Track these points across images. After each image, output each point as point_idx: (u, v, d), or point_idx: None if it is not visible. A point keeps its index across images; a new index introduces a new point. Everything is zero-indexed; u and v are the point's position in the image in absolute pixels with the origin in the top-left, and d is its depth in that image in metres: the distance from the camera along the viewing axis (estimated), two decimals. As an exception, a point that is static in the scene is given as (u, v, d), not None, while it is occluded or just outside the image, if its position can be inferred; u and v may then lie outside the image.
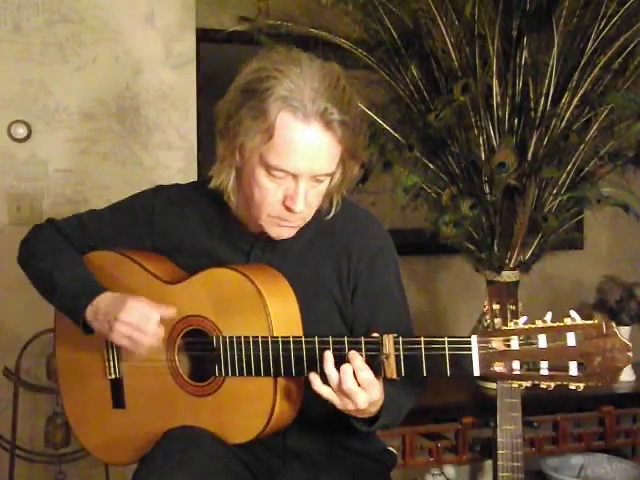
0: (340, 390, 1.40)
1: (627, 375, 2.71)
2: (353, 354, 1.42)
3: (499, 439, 2.21)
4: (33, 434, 2.57)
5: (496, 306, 2.16)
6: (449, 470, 2.65)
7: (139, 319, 1.52)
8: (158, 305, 1.55)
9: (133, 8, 2.64)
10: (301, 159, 1.44)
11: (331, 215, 1.60)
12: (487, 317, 2.38)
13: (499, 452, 2.20)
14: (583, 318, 1.34)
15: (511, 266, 2.52)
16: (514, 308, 2.15)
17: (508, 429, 2.20)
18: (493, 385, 2.40)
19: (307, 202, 1.48)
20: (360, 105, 1.53)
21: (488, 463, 2.51)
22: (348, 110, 1.45)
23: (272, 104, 1.42)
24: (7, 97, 2.55)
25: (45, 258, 1.69)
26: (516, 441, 2.19)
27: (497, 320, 2.04)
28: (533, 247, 2.54)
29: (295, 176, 1.46)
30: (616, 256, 3.66)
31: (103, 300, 1.58)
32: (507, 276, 2.52)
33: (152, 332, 1.53)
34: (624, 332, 2.67)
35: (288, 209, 1.48)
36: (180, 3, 2.69)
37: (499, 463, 2.20)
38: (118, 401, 1.67)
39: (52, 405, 2.48)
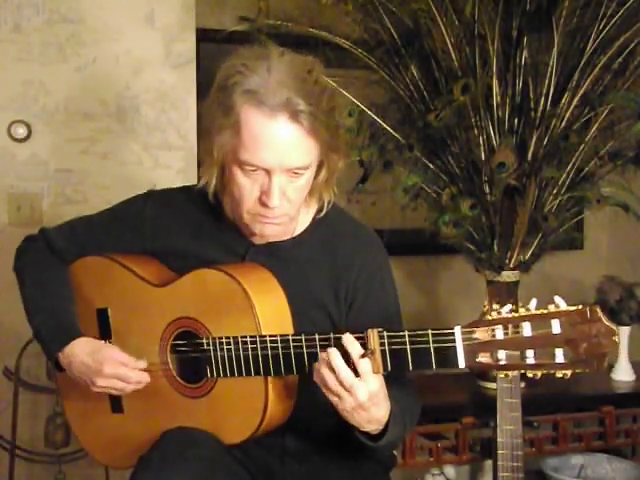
0: (341, 386, 1.38)
1: (627, 375, 2.71)
2: (349, 340, 1.39)
3: (499, 439, 2.20)
4: (33, 434, 2.58)
5: (496, 306, 2.15)
6: (449, 470, 2.65)
7: (114, 382, 1.58)
8: (129, 358, 1.57)
9: (133, 8, 2.64)
10: (269, 153, 1.43)
11: (323, 213, 1.60)
12: (487, 317, 2.37)
13: (499, 452, 2.20)
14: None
15: (511, 266, 2.51)
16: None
17: (508, 429, 2.20)
18: (493, 385, 2.40)
19: (286, 197, 1.48)
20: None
21: (488, 463, 2.51)
22: (317, 102, 1.43)
23: (238, 99, 1.42)
24: (7, 97, 2.55)
25: (27, 287, 1.72)
26: (516, 441, 2.19)
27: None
28: (533, 247, 2.54)
29: (267, 171, 1.45)
30: (616, 256, 3.66)
31: (75, 354, 1.59)
32: (507, 276, 2.52)
33: (135, 380, 1.58)
34: (624, 332, 2.67)
35: (264, 205, 1.47)
36: (180, 3, 2.69)
37: (499, 463, 2.19)
38: (116, 406, 1.68)
39: (52, 405, 2.48)
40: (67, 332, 1.62)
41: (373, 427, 1.45)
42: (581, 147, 2.44)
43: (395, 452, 1.81)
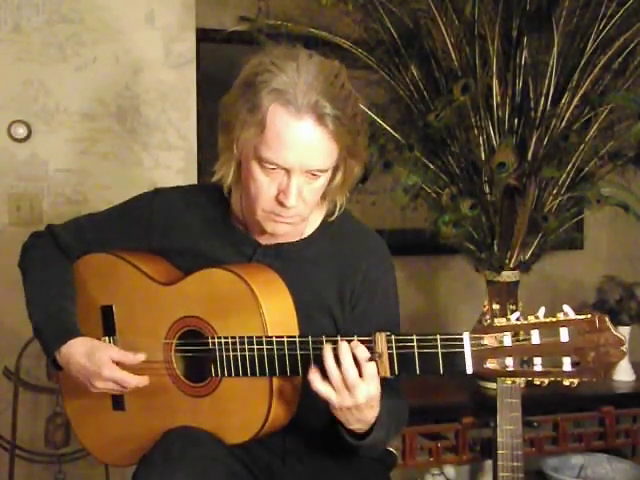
0: (343, 383, 1.39)
1: (627, 375, 2.71)
2: (356, 344, 1.41)
3: (499, 439, 2.21)
4: (33, 434, 2.57)
5: (496, 306, 2.16)
6: (449, 470, 2.65)
7: (113, 385, 1.58)
8: (125, 354, 1.57)
9: (133, 8, 2.64)
10: (292, 153, 1.43)
11: (334, 217, 1.60)
12: (487, 317, 2.38)
13: (499, 452, 2.20)
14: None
15: (511, 266, 2.52)
16: (514, 308, 2.15)
17: (508, 429, 2.20)
18: (493, 385, 2.40)
19: (302, 198, 1.48)
20: (361, 105, 1.52)
21: (488, 463, 2.51)
22: (344, 107, 1.44)
23: (265, 97, 1.42)
24: (7, 97, 2.55)
25: (29, 283, 1.71)
26: (516, 441, 2.19)
27: (497, 320, 2.04)
28: (533, 247, 2.54)
29: (287, 170, 1.45)
30: (616, 256, 3.66)
31: (72, 354, 1.59)
32: (507, 276, 2.52)
33: (133, 384, 1.57)
34: (624, 332, 2.67)
35: (281, 204, 1.47)
36: (180, 3, 2.69)
37: (499, 463, 2.20)
38: (117, 403, 1.67)
39: (52, 405, 2.48)
40: (65, 331, 1.62)
41: (359, 426, 1.46)
42: (581, 147, 2.44)
43: (395, 452, 1.81)
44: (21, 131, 2.55)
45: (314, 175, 1.47)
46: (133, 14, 2.64)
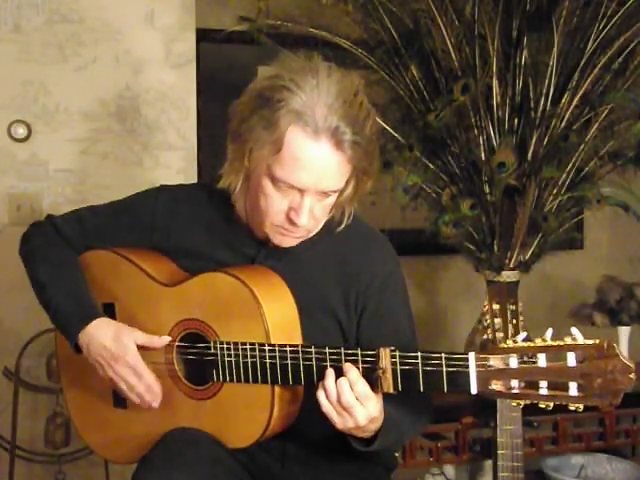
0: (339, 404, 1.39)
1: (627, 375, 2.71)
2: (348, 366, 1.40)
3: (499, 439, 2.20)
4: (33, 434, 2.58)
5: (496, 306, 2.15)
6: (449, 470, 2.65)
7: (131, 374, 1.56)
8: (151, 337, 1.56)
9: (133, 8, 2.64)
10: (308, 175, 1.42)
11: (342, 227, 1.58)
12: (487, 317, 2.37)
13: (499, 452, 2.19)
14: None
15: (511, 266, 2.51)
16: (514, 308, 2.15)
17: (508, 429, 2.20)
18: (493, 385, 2.39)
19: (313, 215, 1.47)
20: (377, 119, 1.50)
21: (488, 463, 2.51)
22: (362, 128, 1.42)
23: (283, 117, 1.39)
24: (7, 97, 2.55)
25: (41, 266, 1.68)
26: (516, 441, 2.19)
27: (497, 320, 2.04)
28: (533, 247, 2.53)
29: (301, 190, 1.44)
30: (616, 256, 3.67)
31: (98, 336, 1.57)
32: (507, 276, 2.51)
33: (149, 380, 1.56)
34: (624, 332, 2.67)
35: (291, 222, 1.46)
36: (180, 3, 2.69)
37: (499, 463, 2.19)
38: (119, 400, 1.67)
39: (52, 405, 2.48)
40: (89, 311, 1.60)
41: (366, 434, 1.45)
42: (581, 147, 2.44)
43: (396, 454, 1.81)
44: (21, 131, 2.55)
45: (326, 194, 1.46)
46: (133, 14, 2.64)
